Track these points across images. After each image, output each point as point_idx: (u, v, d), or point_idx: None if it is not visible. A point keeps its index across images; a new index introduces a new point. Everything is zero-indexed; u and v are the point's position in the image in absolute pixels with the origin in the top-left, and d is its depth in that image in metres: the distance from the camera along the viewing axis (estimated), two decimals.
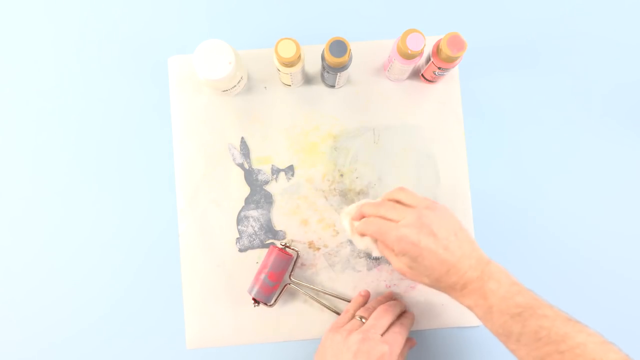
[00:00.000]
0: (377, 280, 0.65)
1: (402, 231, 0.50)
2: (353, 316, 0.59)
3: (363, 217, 0.56)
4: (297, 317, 0.64)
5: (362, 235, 0.56)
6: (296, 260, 0.63)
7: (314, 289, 0.63)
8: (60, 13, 0.67)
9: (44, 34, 0.67)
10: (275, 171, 0.65)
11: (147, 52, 0.66)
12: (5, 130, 0.66)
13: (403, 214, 0.51)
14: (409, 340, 0.60)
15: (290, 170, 0.65)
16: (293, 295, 0.64)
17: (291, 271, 0.63)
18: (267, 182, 0.65)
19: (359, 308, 0.60)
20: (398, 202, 0.54)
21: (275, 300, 0.62)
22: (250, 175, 0.65)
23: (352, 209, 0.58)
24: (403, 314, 0.61)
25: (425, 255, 0.49)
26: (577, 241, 0.66)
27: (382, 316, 0.57)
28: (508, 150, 0.66)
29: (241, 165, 0.65)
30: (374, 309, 0.59)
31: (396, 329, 0.57)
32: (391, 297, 0.64)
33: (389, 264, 0.64)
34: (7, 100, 0.66)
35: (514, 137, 0.66)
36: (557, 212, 0.66)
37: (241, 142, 0.65)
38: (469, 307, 0.51)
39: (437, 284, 0.51)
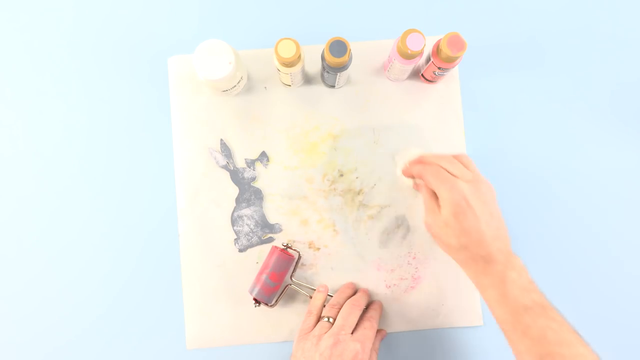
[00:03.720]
0: (377, 280, 0.65)
1: (459, 184, 0.51)
2: (318, 317, 0.59)
3: (420, 163, 0.57)
4: (297, 317, 0.64)
5: (412, 177, 0.59)
6: (298, 261, 0.63)
7: (315, 290, 0.63)
8: (58, 12, 0.67)
9: (42, 34, 0.67)
10: (250, 162, 0.64)
11: (146, 52, 0.66)
12: (4, 131, 0.65)
13: (463, 173, 0.52)
14: (379, 332, 0.60)
15: (264, 156, 0.65)
16: (293, 295, 0.64)
17: (292, 272, 0.63)
18: (254, 179, 0.65)
19: (321, 306, 0.60)
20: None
21: (276, 301, 0.62)
22: (236, 175, 0.65)
23: (409, 153, 0.61)
24: (370, 305, 0.61)
25: (469, 215, 0.50)
26: (579, 242, 0.66)
27: (350, 313, 0.56)
28: (508, 150, 0.66)
29: (226, 167, 0.65)
30: (340, 304, 0.58)
31: (366, 324, 0.57)
32: (353, 288, 0.63)
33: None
34: (6, 100, 0.66)
35: (514, 137, 0.66)
36: (559, 213, 0.66)
37: (221, 143, 0.65)
38: (483, 287, 0.51)
39: (461, 251, 0.52)
